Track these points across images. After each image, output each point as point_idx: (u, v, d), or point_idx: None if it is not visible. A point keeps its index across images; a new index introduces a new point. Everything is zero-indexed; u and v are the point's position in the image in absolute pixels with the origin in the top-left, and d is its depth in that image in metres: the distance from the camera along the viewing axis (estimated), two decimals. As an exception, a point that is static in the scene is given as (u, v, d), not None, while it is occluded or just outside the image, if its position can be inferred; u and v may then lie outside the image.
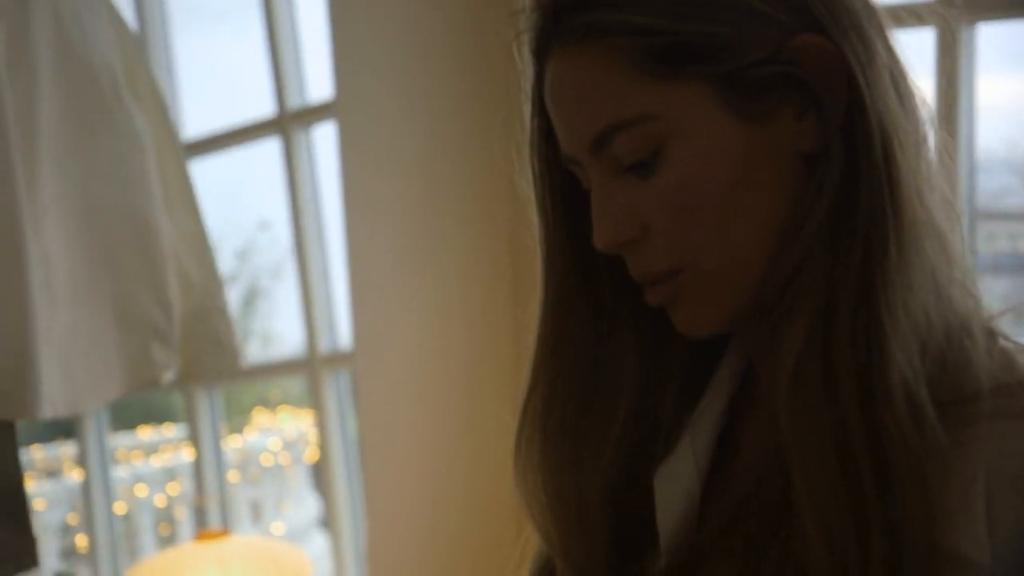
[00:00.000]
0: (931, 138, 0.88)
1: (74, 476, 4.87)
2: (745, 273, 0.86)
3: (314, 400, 3.13)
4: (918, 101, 0.88)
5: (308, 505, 5.85)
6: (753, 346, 0.93)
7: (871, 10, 0.88)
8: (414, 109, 2.52)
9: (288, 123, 3.10)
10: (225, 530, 2.74)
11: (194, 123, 3.39)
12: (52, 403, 2.20)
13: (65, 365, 2.23)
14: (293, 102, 3.10)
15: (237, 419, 6.66)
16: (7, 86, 2.16)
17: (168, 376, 2.42)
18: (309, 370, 3.11)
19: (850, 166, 0.84)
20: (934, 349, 0.81)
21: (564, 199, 0.93)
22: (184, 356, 2.40)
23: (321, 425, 3.11)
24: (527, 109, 0.94)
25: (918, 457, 0.77)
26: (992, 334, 0.85)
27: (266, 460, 5.63)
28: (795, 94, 0.85)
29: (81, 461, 3.67)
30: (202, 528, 3.16)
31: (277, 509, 5.65)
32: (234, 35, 3.68)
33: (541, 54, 0.90)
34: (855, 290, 0.81)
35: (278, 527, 5.43)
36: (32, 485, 5.32)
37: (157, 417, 6.18)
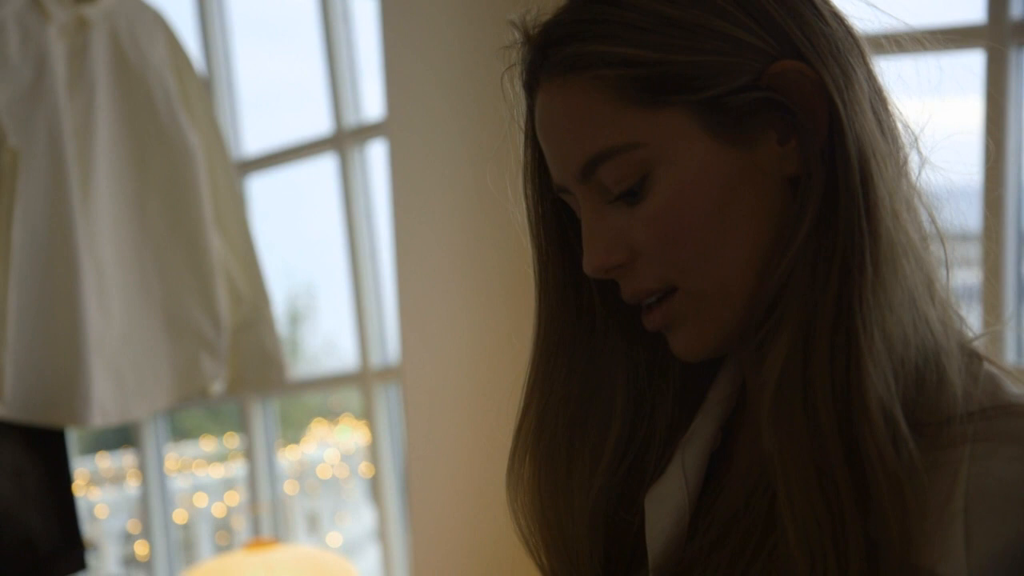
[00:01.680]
0: (912, 162, 0.89)
1: (135, 484, 4.96)
2: (734, 294, 0.88)
3: (367, 413, 3.17)
4: (899, 125, 0.90)
5: (365, 517, 5.90)
6: (746, 365, 0.94)
7: (851, 37, 0.90)
8: (463, 128, 2.56)
9: (344, 141, 3.14)
10: (275, 539, 2.78)
11: (254, 140, 3.45)
12: (103, 411, 2.26)
13: (116, 374, 2.29)
14: (349, 120, 3.14)
15: (296, 431, 6.73)
16: (66, 103, 2.23)
17: (216, 387, 2.47)
18: (362, 383, 3.15)
19: (830, 188, 0.85)
20: (911, 369, 0.83)
21: (557, 227, 0.96)
22: (232, 368, 2.45)
23: (374, 438, 3.15)
24: (520, 140, 0.96)
25: (896, 476, 0.79)
26: (975, 356, 0.86)
27: (323, 472, 5.68)
28: (777, 119, 0.87)
29: (140, 470, 3.74)
30: (256, 537, 3.21)
31: (334, 521, 5.70)
32: (294, 53, 3.74)
33: (531, 87, 0.93)
34: (833, 310, 0.83)
35: (334, 538, 5.47)
36: (96, 492, 5.42)
37: (220, 428, 6.26)
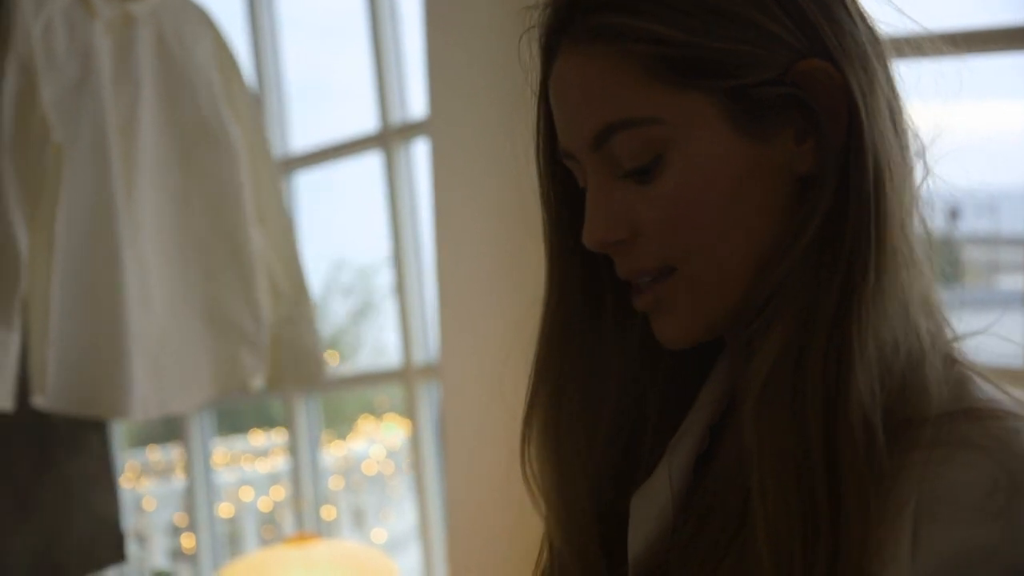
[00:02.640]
0: (919, 171, 0.89)
1: (182, 478, 5.00)
2: (729, 285, 0.88)
3: (409, 410, 3.18)
4: (911, 135, 0.90)
5: (409, 514, 5.92)
6: (736, 364, 0.94)
7: (877, 42, 0.90)
8: (506, 126, 2.55)
9: (390, 138, 3.15)
10: (315, 534, 2.80)
11: (302, 136, 3.47)
12: (143, 405, 2.29)
13: (157, 368, 2.31)
14: (395, 117, 3.15)
15: (342, 426, 6.76)
16: (111, 99, 2.25)
17: (256, 382, 2.49)
18: (404, 381, 3.16)
19: (841, 192, 0.85)
20: (897, 376, 0.83)
21: (567, 197, 0.95)
22: (271, 363, 2.46)
23: (415, 435, 3.15)
24: (534, 106, 0.95)
25: (865, 482, 0.79)
26: (950, 359, 0.86)
27: (368, 468, 5.71)
28: (797, 117, 0.87)
29: (186, 464, 3.78)
30: (303, 531, 3.23)
31: (379, 517, 5.72)
32: (342, 50, 3.76)
33: (550, 51, 0.92)
34: (832, 312, 0.83)
35: (379, 534, 5.50)
36: (145, 484, 5.48)
37: (269, 422, 6.31)
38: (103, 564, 2.39)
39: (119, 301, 2.25)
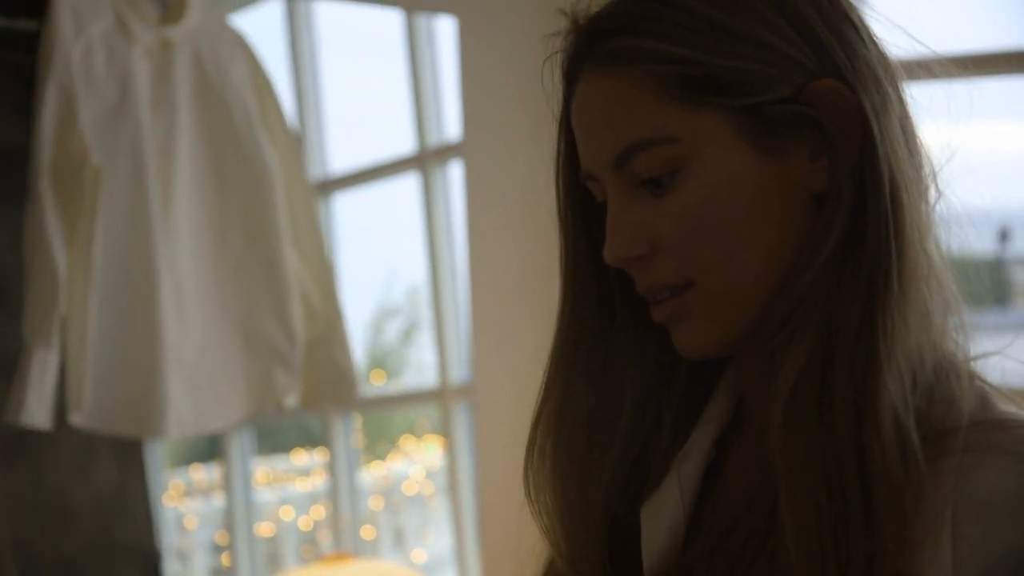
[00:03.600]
0: (933, 191, 0.91)
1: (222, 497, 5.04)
2: (747, 299, 0.90)
3: (445, 431, 3.19)
4: (924, 155, 0.91)
5: (448, 535, 5.93)
6: (746, 378, 0.95)
7: (888, 64, 0.91)
8: (538, 149, 2.57)
9: (426, 160, 3.17)
10: (352, 554, 2.81)
11: (341, 158, 3.50)
12: (179, 423, 2.32)
13: (193, 387, 2.35)
14: (432, 139, 3.18)
15: (383, 446, 6.78)
16: (149, 122, 2.29)
17: (290, 402, 2.51)
18: (440, 401, 3.17)
19: (858, 208, 0.87)
20: (923, 384, 0.84)
21: (584, 216, 0.97)
22: (305, 382, 2.49)
23: (451, 456, 3.16)
24: (555, 129, 0.98)
25: (899, 487, 0.80)
26: (971, 375, 0.88)
27: (408, 488, 5.72)
28: (811, 135, 0.89)
29: (225, 483, 3.81)
30: (340, 551, 3.24)
31: (419, 537, 5.73)
32: (381, 72, 3.79)
33: (572, 75, 0.94)
34: (857, 322, 0.85)
35: (419, 555, 5.51)
36: (187, 503, 5.52)
37: (311, 441, 6.34)
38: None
39: (155, 320, 2.29)
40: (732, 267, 0.89)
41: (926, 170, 0.91)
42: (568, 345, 0.98)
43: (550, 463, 0.98)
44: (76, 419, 2.26)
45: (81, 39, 2.27)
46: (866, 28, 0.92)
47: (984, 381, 0.88)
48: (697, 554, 0.91)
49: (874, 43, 0.92)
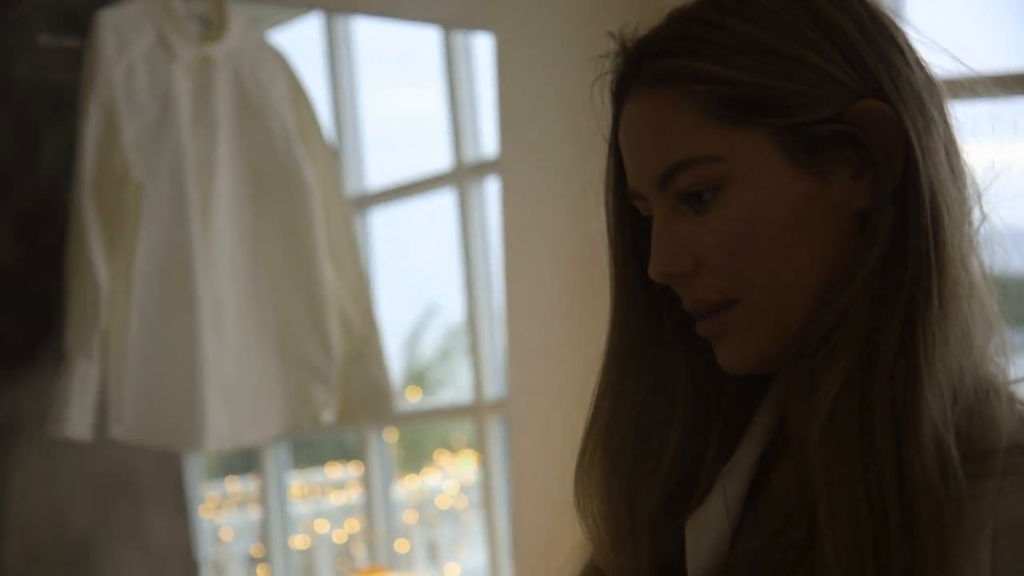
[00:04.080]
0: (976, 212, 0.91)
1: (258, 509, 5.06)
2: (790, 315, 0.90)
3: (479, 446, 3.20)
4: (968, 176, 0.92)
5: (482, 549, 5.92)
6: (788, 394, 0.96)
7: (932, 84, 0.92)
8: (574, 166, 2.59)
9: (463, 176, 3.19)
10: (385, 567, 2.83)
11: (378, 174, 3.53)
12: (217, 436, 2.34)
13: (230, 401, 2.37)
14: (469, 156, 3.20)
15: (418, 460, 6.78)
16: (189, 139, 2.32)
17: (327, 416, 2.53)
18: (475, 416, 3.19)
19: (899, 226, 0.88)
20: (963, 403, 0.85)
21: (632, 235, 0.98)
22: (342, 397, 2.51)
23: (486, 471, 3.17)
24: (605, 150, 0.99)
25: (939, 503, 0.81)
26: (1013, 397, 0.88)
27: (442, 502, 5.72)
28: (854, 154, 0.90)
29: (261, 496, 3.83)
30: (374, 564, 3.26)
31: (452, 552, 5.73)
32: (419, 88, 3.82)
33: (621, 96, 0.96)
34: (897, 339, 0.85)
35: (453, 569, 5.51)
36: (223, 515, 5.54)
37: (347, 455, 6.35)
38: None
39: (195, 335, 2.32)
40: (774, 284, 0.90)
41: (970, 191, 0.91)
42: (618, 361, 0.99)
43: (598, 476, 0.99)
44: (116, 432, 2.29)
45: (124, 58, 2.30)
46: (911, 49, 0.93)
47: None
48: (737, 568, 0.92)
49: (919, 64, 0.92)
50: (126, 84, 2.30)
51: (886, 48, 0.91)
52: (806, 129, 0.89)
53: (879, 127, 0.89)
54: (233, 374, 2.38)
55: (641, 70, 0.93)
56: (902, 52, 0.92)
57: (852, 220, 0.90)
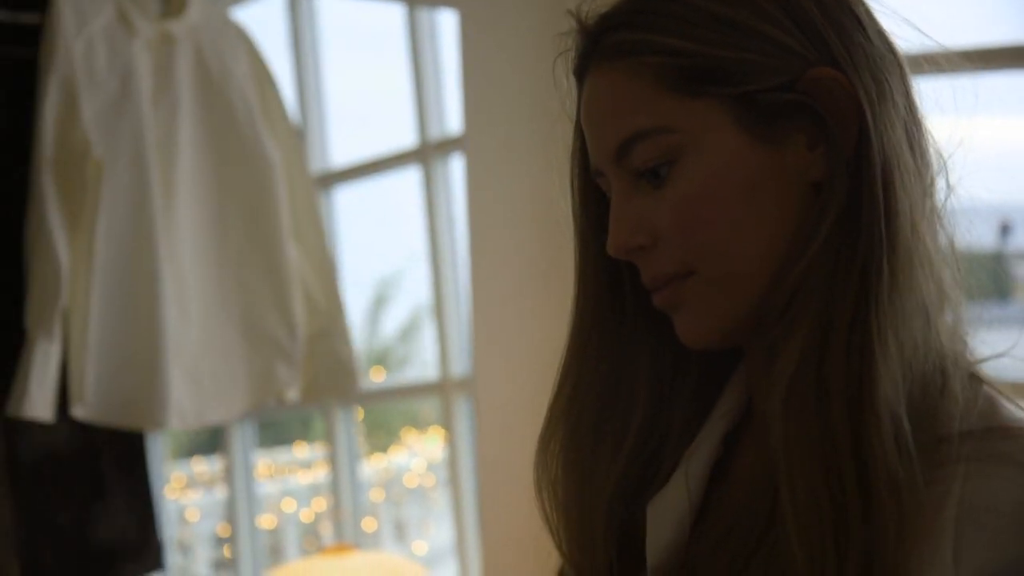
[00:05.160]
0: (939, 185, 0.91)
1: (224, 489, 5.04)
2: (746, 287, 0.90)
3: (446, 424, 3.20)
4: (930, 147, 0.92)
5: (450, 527, 5.93)
6: (752, 373, 0.96)
7: (891, 55, 0.92)
8: (539, 143, 2.58)
9: (428, 153, 3.17)
10: (352, 545, 2.82)
11: (343, 151, 3.50)
12: (180, 415, 2.33)
13: (194, 379, 2.36)
14: (434, 133, 3.18)
15: (385, 439, 6.78)
16: (150, 115, 2.30)
17: (291, 395, 2.52)
18: (441, 394, 3.18)
19: (853, 196, 0.88)
20: (918, 376, 0.85)
21: (597, 213, 0.98)
22: (306, 376, 2.50)
23: (452, 449, 3.17)
24: (569, 129, 0.99)
25: (897, 481, 0.80)
26: (976, 378, 0.88)
27: (409, 481, 5.73)
28: (808, 124, 0.90)
29: (227, 475, 3.81)
30: (341, 542, 3.25)
31: (420, 530, 5.74)
32: (383, 66, 3.80)
33: (581, 73, 0.96)
34: (851, 312, 0.85)
35: (420, 547, 5.52)
36: (190, 496, 5.53)
37: (313, 434, 6.35)
38: (141, 571, 2.42)
39: (157, 313, 2.30)
40: (730, 255, 0.90)
41: (932, 163, 0.91)
42: (582, 340, 0.99)
43: (557, 456, 0.99)
44: (78, 411, 2.27)
45: (83, 34, 2.27)
46: (871, 19, 0.92)
47: (992, 385, 0.88)
48: (700, 549, 0.92)
49: (879, 35, 0.92)
50: (85, 60, 2.27)
51: (842, 18, 0.90)
52: (759, 98, 0.89)
53: (832, 96, 0.89)
54: (196, 353, 2.37)
55: (598, 46, 0.94)
56: (859, 22, 0.91)
57: (808, 191, 0.90)
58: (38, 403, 2.20)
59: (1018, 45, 2.05)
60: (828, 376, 0.84)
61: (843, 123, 0.89)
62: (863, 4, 0.93)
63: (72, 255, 2.26)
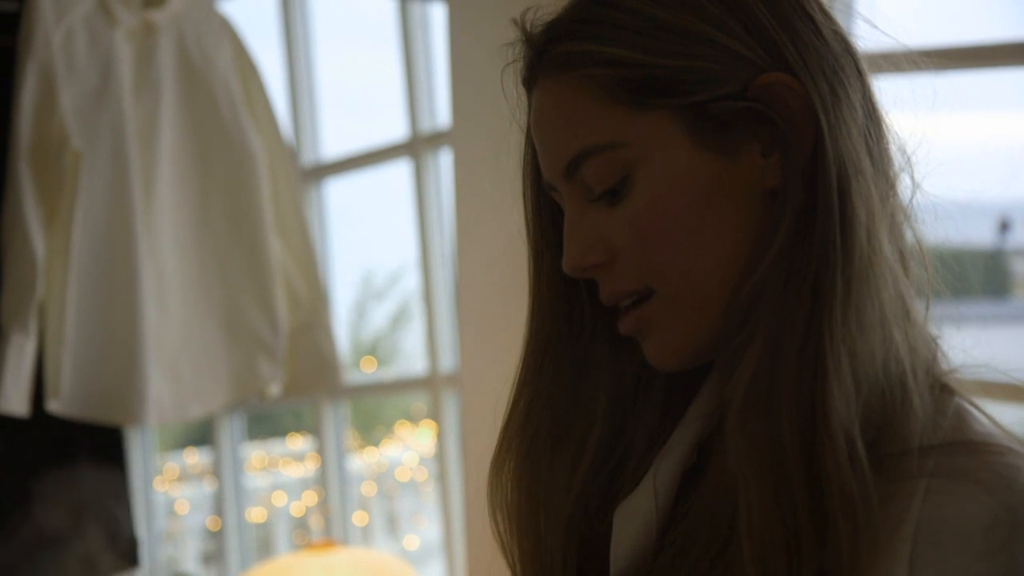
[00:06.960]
0: (901, 186, 0.89)
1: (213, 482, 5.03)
2: (710, 303, 0.88)
3: (435, 418, 3.18)
4: (892, 148, 0.89)
5: (440, 522, 5.91)
6: (723, 380, 0.93)
7: (849, 56, 0.89)
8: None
9: (419, 146, 3.15)
10: (338, 541, 2.80)
11: (334, 143, 3.48)
12: (159, 410, 2.30)
13: (174, 374, 2.33)
14: (425, 126, 3.15)
15: (377, 432, 6.77)
16: (131, 106, 2.27)
17: (274, 390, 2.50)
18: (430, 388, 3.16)
19: (808, 205, 0.85)
20: (876, 391, 0.82)
21: (552, 226, 0.96)
22: (289, 370, 2.47)
23: (441, 443, 3.15)
24: (520, 139, 0.97)
25: (851, 496, 0.78)
26: (947, 389, 0.85)
27: (401, 475, 5.71)
28: (763, 131, 0.87)
29: (216, 468, 3.79)
30: (327, 538, 3.23)
31: (412, 524, 5.73)
32: (375, 58, 3.78)
33: (529, 84, 0.94)
34: (804, 325, 0.82)
35: (411, 542, 5.50)
36: (179, 488, 5.51)
37: (306, 427, 6.33)
38: (116, 568, 2.40)
39: (136, 307, 2.27)
40: (690, 270, 0.87)
41: (894, 164, 0.88)
42: (537, 355, 0.97)
43: (512, 473, 0.96)
44: (54, 406, 2.24)
45: (63, 22, 2.25)
46: (826, 19, 0.89)
47: (962, 394, 0.86)
48: (661, 563, 0.90)
49: (836, 36, 0.89)
50: (65, 49, 2.24)
51: (793, 20, 0.88)
52: (710, 107, 0.86)
53: (784, 101, 0.86)
54: (176, 347, 2.34)
55: (544, 56, 0.91)
56: (812, 23, 0.88)
57: (765, 200, 0.87)
58: (12, 398, 2.18)
59: (1016, 42, 2.02)
60: (780, 392, 0.82)
61: (797, 129, 0.86)
62: (818, 4, 0.90)
63: (49, 248, 2.24)
